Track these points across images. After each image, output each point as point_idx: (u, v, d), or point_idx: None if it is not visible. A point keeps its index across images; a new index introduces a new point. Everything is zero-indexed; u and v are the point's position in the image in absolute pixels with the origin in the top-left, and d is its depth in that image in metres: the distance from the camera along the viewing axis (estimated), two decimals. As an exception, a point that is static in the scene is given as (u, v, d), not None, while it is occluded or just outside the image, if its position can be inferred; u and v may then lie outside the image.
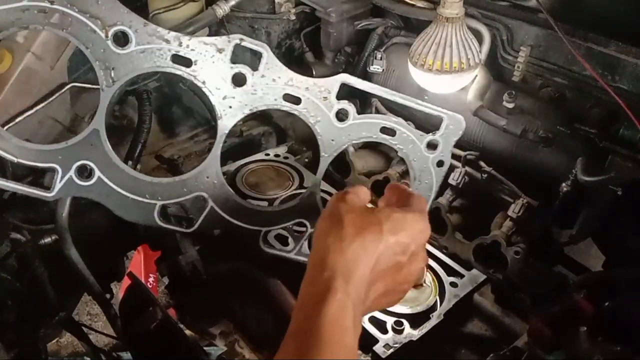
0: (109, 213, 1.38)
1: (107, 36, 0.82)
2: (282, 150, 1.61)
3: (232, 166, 1.55)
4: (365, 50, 1.58)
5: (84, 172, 0.83)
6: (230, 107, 0.88)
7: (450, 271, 1.23)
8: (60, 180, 0.84)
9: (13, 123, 1.23)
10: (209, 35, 1.72)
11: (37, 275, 1.25)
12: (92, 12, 0.82)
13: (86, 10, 0.81)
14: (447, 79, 1.29)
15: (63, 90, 1.33)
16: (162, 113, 1.68)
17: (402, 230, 0.72)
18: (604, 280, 1.15)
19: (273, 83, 0.87)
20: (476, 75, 1.33)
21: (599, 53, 1.21)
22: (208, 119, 1.73)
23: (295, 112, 0.88)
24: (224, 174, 1.51)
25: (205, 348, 1.14)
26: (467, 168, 1.40)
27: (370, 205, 0.78)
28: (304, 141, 1.66)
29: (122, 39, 0.84)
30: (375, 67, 1.52)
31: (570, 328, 0.84)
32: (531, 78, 1.36)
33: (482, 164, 1.36)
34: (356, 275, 0.68)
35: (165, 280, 1.24)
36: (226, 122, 0.91)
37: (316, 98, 0.89)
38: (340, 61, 1.68)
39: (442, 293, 1.18)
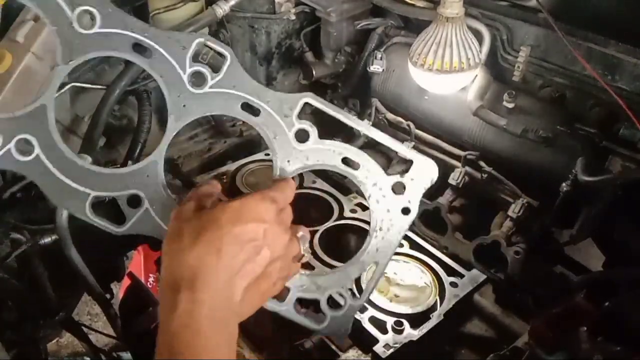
0: (110, 213, 1.39)
1: (72, 13, 0.79)
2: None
3: (232, 166, 1.55)
4: (366, 50, 1.58)
5: (24, 147, 0.79)
6: (184, 106, 0.83)
7: (450, 271, 1.23)
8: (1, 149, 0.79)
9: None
10: (209, 34, 1.72)
11: (37, 275, 1.25)
12: None
13: None
14: (447, 78, 1.29)
15: (63, 90, 1.33)
16: (162, 113, 1.68)
17: (243, 216, 0.70)
18: (604, 280, 1.15)
19: (233, 89, 0.82)
20: (476, 75, 1.33)
21: (599, 53, 1.21)
22: (208, 119, 1.73)
23: (252, 124, 0.84)
24: (223, 174, 1.53)
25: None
26: (467, 168, 1.40)
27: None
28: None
29: (87, 20, 0.81)
30: (376, 67, 1.52)
31: (570, 328, 0.84)
32: (531, 78, 1.36)
33: (482, 164, 1.36)
34: (202, 279, 0.66)
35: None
36: (177, 122, 0.85)
37: (277, 113, 0.83)
38: (340, 61, 1.68)
39: (442, 293, 1.18)
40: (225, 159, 1.63)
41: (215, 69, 0.82)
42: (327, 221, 1.34)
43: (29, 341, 1.23)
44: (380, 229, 0.86)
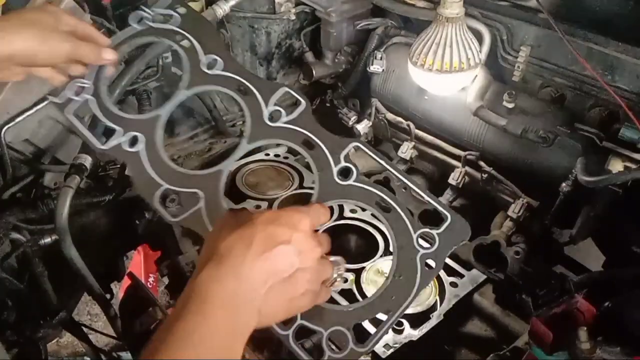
0: (109, 213, 1.39)
1: (204, 57, 1.04)
2: (282, 150, 1.61)
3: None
4: (366, 50, 1.58)
5: (132, 142, 0.97)
6: (259, 133, 1.00)
7: (450, 271, 1.23)
8: (115, 139, 0.98)
9: (13, 123, 1.23)
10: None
11: (37, 275, 1.25)
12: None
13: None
14: (447, 78, 1.29)
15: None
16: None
17: (277, 220, 0.75)
18: (604, 280, 1.15)
19: (299, 127, 0.97)
20: (476, 75, 1.33)
21: (599, 53, 1.21)
22: (208, 119, 1.73)
23: (305, 156, 0.96)
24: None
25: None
26: (467, 168, 1.40)
27: None
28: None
29: (212, 63, 1.04)
30: (376, 67, 1.52)
31: (570, 328, 0.84)
32: (531, 78, 1.36)
33: (482, 164, 1.36)
34: (229, 261, 0.70)
35: (165, 280, 1.24)
36: (249, 144, 1.00)
37: (329, 151, 0.95)
38: (340, 61, 1.68)
39: (442, 293, 1.18)
40: (225, 159, 1.62)
41: (289, 111, 0.99)
42: (327, 221, 1.34)
43: (29, 341, 1.23)
44: (400, 277, 0.86)
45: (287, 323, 0.81)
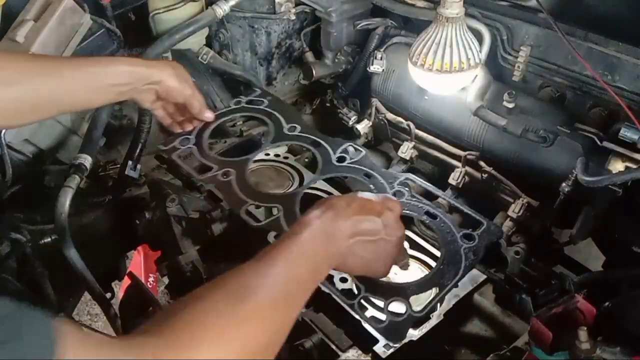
0: (109, 213, 1.39)
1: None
2: (282, 150, 1.61)
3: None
4: (366, 50, 1.58)
5: (226, 175, 1.26)
6: (329, 170, 1.28)
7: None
8: (211, 173, 1.28)
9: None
10: (209, 34, 1.72)
11: (37, 276, 1.25)
12: None
13: None
14: (447, 78, 1.29)
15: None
16: (162, 113, 1.68)
17: (374, 196, 0.97)
18: (604, 280, 1.15)
19: (361, 166, 1.25)
20: (476, 75, 1.33)
21: (599, 53, 1.21)
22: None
23: (365, 183, 1.22)
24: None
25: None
26: (467, 168, 1.40)
27: None
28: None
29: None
30: (376, 67, 1.52)
31: (570, 328, 0.84)
32: (531, 78, 1.36)
33: (482, 164, 1.36)
34: (333, 208, 0.89)
35: (165, 280, 1.24)
36: (319, 176, 1.29)
37: (384, 179, 1.21)
38: (340, 61, 1.68)
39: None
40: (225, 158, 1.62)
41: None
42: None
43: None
44: (446, 265, 1.06)
45: (351, 297, 1.02)
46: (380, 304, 1.01)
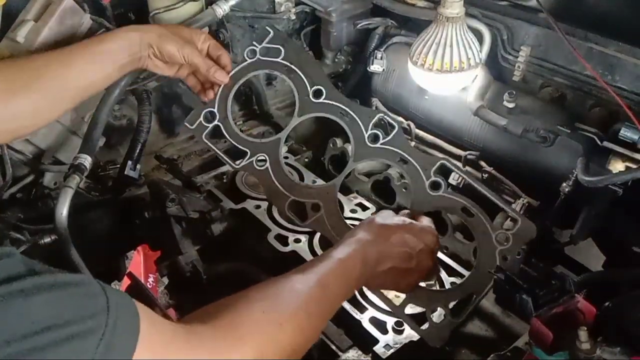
0: (109, 213, 1.39)
1: (310, 89, 1.25)
2: (282, 150, 1.61)
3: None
4: (366, 50, 1.58)
5: (260, 161, 1.24)
6: (362, 153, 1.22)
7: (450, 271, 1.23)
8: (246, 160, 1.24)
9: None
10: (209, 34, 1.72)
11: (37, 276, 1.24)
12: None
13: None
14: (447, 78, 1.29)
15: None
16: (162, 113, 1.68)
17: (412, 231, 1.05)
18: (604, 280, 1.15)
19: (395, 148, 1.19)
20: (476, 75, 1.33)
21: (599, 53, 1.21)
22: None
23: (400, 170, 1.20)
24: (223, 174, 1.53)
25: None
26: (467, 168, 1.40)
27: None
28: (304, 141, 1.66)
29: (318, 94, 1.24)
30: (376, 67, 1.52)
31: (570, 328, 0.84)
32: (532, 78, 1.36)
33: (482, 163, 1.36)
34: (375, 239, 0.99)
35: (165, 280, 1.24)
36: (354, 163, 1.23)
37: (419, 166, 1.16)
38: (340, 61, 1.67)
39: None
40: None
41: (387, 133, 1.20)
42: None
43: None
44: (482, 267, 1.09)
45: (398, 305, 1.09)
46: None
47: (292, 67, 1.24)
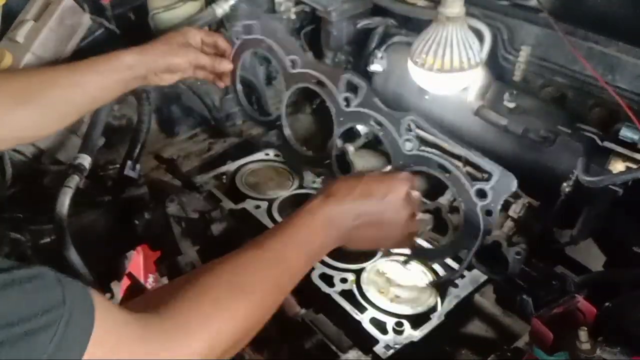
0: (109, 213, 1.39)
1: (340, 95, 1.30)
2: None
3: (232, 166, 1.55)
4: (366, 50, 1.58)
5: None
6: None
7: (450, 271, 1.23)
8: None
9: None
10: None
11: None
12: None
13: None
14: (447, 78, 1.28)
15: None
16: (162, 113, 1.68)
17: (378, 179, 1.01)
18: (604, 280, 1.15)
19: (369, 110, 1.25)
20: (477, 75, 1.33)
21: (600, 53, 1.21)
22: (207, 119, 1.73)
23: (378, 132, 1.24)
24: (223, 174, 1.53)
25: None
26: (468, 168, 1.39)
27: None
28: (304, 141, 1.66)
29: (351, 99, 1.29)
30: (376, 67, 1.52)
31: (571, 328, 0.84)
32: (532, 78, 1.35)
33: (482, 163, 1.36)
34: (337, 194, 0.95)
35: (165, 280, 1.24)
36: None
37: (391, 126, 1.21)
38: (340, 60, 1.67)
39: (442, 294, 1.17)
40: (225, 158, 1.63)
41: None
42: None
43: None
44: (466, 227, 1.11)
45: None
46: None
47: (268, 40, 1.34)
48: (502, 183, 1.07)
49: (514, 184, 1.07)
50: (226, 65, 1.32)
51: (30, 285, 0.58)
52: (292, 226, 0.90)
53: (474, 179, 1.11)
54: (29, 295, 0.58)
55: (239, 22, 1.37)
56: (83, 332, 0.60)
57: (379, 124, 1.21)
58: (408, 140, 1.18)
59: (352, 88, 1.27)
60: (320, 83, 1.29)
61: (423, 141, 1.20)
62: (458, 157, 1.42)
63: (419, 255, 1.19)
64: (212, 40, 1.31)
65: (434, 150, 1.15)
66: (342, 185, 0.97)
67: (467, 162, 1.39)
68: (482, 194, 1.08)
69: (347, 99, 1.25)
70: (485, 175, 1.11)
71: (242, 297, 0.78)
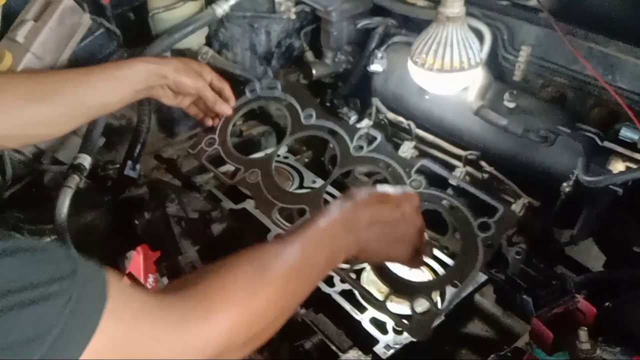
0: (109, 213, 1.39)
1: (352, 143, 1.36)
2: (282, 150, 1.61)
3: (231, 166, 1.55)
4: (366, 50, 1.58)
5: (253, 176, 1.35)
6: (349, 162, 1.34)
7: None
8: (239, 175, 1.36)
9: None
10: (208, 34, 1.72)
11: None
12: None
13: None
14: (447, 78, 1.29)
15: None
16: (162, 113, 1.68)
17: (393, 193, 1.01)
18: (604, 280, 1.15)
19: (380, 156, 1.29)
20: (477, 75, 1.33)
21: (600, 53, 1.21)
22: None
23: (386, 174, 1.27)
24: (223, 174, 1.52)
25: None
26: (468, 168, 1.39)
27: None
28: (304, 141, 1.66)
29: (363, 143, 1.34)
30: (376, 67, 1.52)
31: (571, 328, 0.84)
32: (532, 78, 1.35)
33: (483, 163, 1.36)
34: (354, 199, 0.96)
35: (165, 280, 1.24)
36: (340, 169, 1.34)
37: (400, 168, 1.26)
38: (340, 60, 1.67)
39: (442, 293, 1.17)
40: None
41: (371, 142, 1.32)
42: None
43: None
44: (465, 257, 1.11)
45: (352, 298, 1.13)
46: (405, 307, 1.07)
47: (287, 98, 1.43)
48: (504, 219, 1.13)
49: (515, 219, 1.17)
50: (227, 109, 1.36)
51: (42, 255, 0.58)
52: (313, 226, 0.90)
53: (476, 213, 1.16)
54: (41, 263, 0.57)
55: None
56: (96, 304, 0.58)
57: (387, 166, 1.27)
58: (416, 181, 1.24)
59: (369, 138, 1.34)
60: (331, 132, 1.37)
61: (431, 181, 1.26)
62: (458, 158, 1.43)
63: (405, 289, 1.11)
64: (220, 85, 1.34)
65: (439, 190, 1.21)
66: (359, 192, 0.98)
67: (467, 162, 1.40)
68: (484, 227, 1.11)
69: (360, 147, 1.32)
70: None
71: (264, 284, 0.78)
